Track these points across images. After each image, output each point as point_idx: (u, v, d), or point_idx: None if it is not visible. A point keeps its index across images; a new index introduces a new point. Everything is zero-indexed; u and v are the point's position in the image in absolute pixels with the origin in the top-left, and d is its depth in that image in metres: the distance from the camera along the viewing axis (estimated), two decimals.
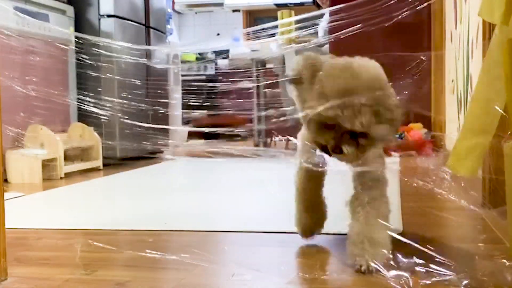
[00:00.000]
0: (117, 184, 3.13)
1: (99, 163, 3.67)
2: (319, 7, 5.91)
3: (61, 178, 3.21)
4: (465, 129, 1.25)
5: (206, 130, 1.74)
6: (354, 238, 1.27)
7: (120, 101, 3.49)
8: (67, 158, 3.41)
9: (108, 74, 3.63)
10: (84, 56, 3.40)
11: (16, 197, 2.53)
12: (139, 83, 3.91)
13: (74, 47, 3.53)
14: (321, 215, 1.60)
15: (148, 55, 4.28)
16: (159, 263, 1.39)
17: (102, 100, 3.42)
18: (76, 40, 3.53)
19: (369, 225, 1.26)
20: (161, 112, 4.04)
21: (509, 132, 1.14)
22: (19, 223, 1.87)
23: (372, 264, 1.22)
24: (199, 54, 7.07)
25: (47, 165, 3.19)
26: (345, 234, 1.35)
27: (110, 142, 3.60)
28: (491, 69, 1.19)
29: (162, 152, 4.22)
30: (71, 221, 1.95)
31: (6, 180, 3.07)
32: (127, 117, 3.28)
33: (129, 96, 3.66)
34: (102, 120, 3.43)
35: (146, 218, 2.00)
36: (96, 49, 3.13)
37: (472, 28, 2.53)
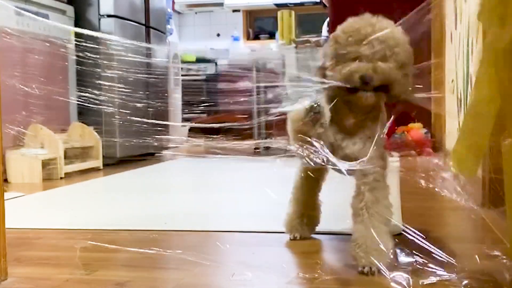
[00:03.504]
0: (117, 184, 3.12)
1: (99, 163, 3.67)
2: (325, 6, 5.91)
3: (61, 178, 3.21)
4: (464, 130, 1.25)
5: (206, 125, 1.74)
6: (358, 240, 1.27)
7: (120, 100, 3.48)
8: (67, 158, 3.41)
9: (108, 73, 3.63)
10: (84, 54, 3.39)
11: (16, 197, 2.53)
12: (139, 84, 3.91)
13: (74, 46, 3.52)
14: (314, 219, 1.61)
15: (148, 55, 4.28)
16: (159, 263, 1.39)
17: (102, 100, 3.41)
18: (76, 39, 3.53)
19: (373, 228, 1.26)
20: (161, 111, 4.04)
21: (506, 131, 1.14)
22: (19, 223, 1.87)
23: (376, 266, 1.22)
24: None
25: (47, 165, 3.19)
26: (345, 234, 1.35)
27: (114, 139, 3.59)
28: (487, 70, 1.19)
29: (162, 152, 4.21)
30: (71, 221, 1.95)
31: (6, 180, 3.07)
32: (127, 116, 3.27)
33: (129, 97, 3.66)
34: (102, 118, 3.43)
35: (146, 218, 2.00)
36: (95, 45, 3.12)
37: (472, 28, 2.53)
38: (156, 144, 3.31)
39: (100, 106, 2.28)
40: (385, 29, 1.26)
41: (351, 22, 1.31)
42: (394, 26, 1.30)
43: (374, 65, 1.25)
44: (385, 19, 1.31)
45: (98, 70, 3.40)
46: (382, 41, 1.25)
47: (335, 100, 1.34)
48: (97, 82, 3.41)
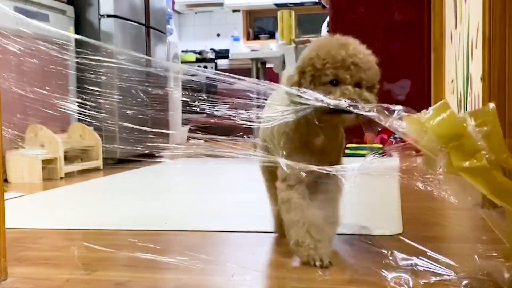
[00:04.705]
0: (117, 184, 3.13)
1: (99, 163, 3.66)
2: (324, 7, 5.91)
3: (61, 178, 3.21)
4: None
5: (206, 137, 1.75)
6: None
7: (119, 100, 3.48)
8: (67, 158, 3.41)
9: (108, 75, 3.62)
10: (84, 57, 3.38)
11: (16, 197, 2.53)
12: (138, 84, 3.90)
13: (73, 48, 3.52)
14: None
15: (147, 55, 4.27)
16: (159, 263, 1.39)
17: (101, 102, 3.41)
18: (76, 41, 3.53)
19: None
20: (161, 114, 4.03)
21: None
22: (19, 223, 1.87)
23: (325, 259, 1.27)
24: (199, 54, 7.08)
25: (47, 165, 3.19)
26: (345, 234, 1.35)
27: (109, 146, 3.59)
28: None
29: (161, 153, 4.21)
30: (71, 221, 1.95)
31: (6, 180, 3.07)
32: (126, 119, 3.27)
33: (129, 97, 3.65)
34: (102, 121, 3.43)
35: (146, 218, 2.00)
36: (94, 51, 3.12)
37: (472, 28, 2.53)
38: (155, 148, 3.30)
39: (99, 111, 2.28)
40: (358, 52, 1.31)
41: (324, 46, 1.33)
42: (364, 48, 1.34)
43: (360, 92, 1.29)
44: (353, 40, 1.34)
45: (97, 74, 3.39)
46: (357, 65, 1.29)
47: (307, 121, 1.36)
48: (96, 84, 3.40)
